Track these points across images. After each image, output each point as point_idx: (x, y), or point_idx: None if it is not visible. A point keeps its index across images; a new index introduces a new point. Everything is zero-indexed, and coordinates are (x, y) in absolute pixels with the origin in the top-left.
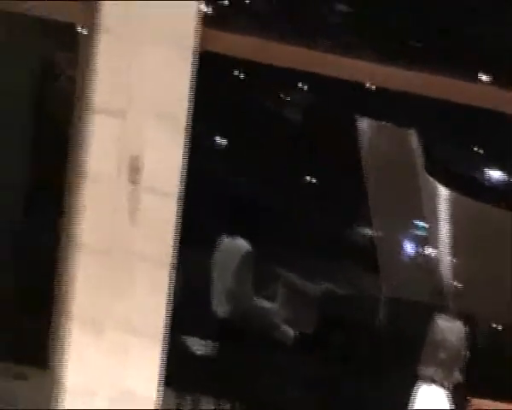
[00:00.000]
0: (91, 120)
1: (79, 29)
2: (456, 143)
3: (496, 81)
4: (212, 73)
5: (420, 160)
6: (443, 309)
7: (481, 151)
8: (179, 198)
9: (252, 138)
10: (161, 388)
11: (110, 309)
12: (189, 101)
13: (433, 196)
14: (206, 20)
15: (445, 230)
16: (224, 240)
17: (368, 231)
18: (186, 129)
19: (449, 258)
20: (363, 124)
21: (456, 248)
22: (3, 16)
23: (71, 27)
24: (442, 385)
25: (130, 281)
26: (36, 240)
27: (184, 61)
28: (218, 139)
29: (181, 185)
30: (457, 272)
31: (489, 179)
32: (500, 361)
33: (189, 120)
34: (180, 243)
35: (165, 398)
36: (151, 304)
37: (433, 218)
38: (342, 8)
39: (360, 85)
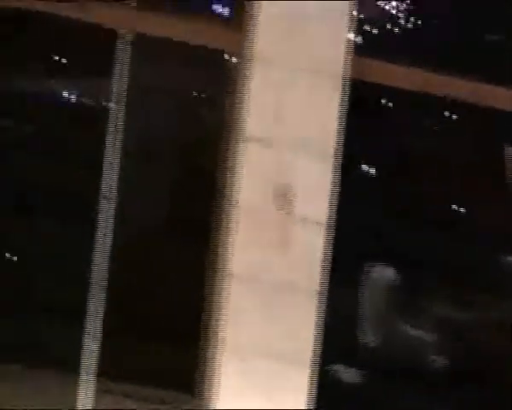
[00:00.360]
0: (242, 149)
1: (229, 57)
2: None
3: None
4: (359, 101)
5: None
6: None
7: None
8: (329, 227)
9: (399, 167)
10: None
11: (259, 338)
12: (339, 129)
13: None
14: (355, 49)
15: None
16: (372, 268)
17: None
18: (335, 157)
19: None
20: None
21: None
22: (152, 42)
23: (220, 55)
24: None
25: (279, 310)
26: (185, 268)
27: (334, 89)
28: (365, 168)
29: (330, 214)
30: None
31: None
32: None
33: (338, 148)
34: (329, 271)
35: None
36: (300, 333)
37: None
38: (493, 38)
39: (509, 113)
